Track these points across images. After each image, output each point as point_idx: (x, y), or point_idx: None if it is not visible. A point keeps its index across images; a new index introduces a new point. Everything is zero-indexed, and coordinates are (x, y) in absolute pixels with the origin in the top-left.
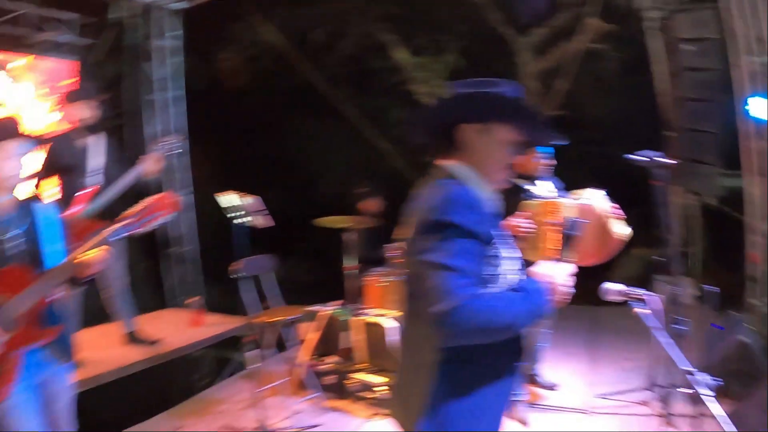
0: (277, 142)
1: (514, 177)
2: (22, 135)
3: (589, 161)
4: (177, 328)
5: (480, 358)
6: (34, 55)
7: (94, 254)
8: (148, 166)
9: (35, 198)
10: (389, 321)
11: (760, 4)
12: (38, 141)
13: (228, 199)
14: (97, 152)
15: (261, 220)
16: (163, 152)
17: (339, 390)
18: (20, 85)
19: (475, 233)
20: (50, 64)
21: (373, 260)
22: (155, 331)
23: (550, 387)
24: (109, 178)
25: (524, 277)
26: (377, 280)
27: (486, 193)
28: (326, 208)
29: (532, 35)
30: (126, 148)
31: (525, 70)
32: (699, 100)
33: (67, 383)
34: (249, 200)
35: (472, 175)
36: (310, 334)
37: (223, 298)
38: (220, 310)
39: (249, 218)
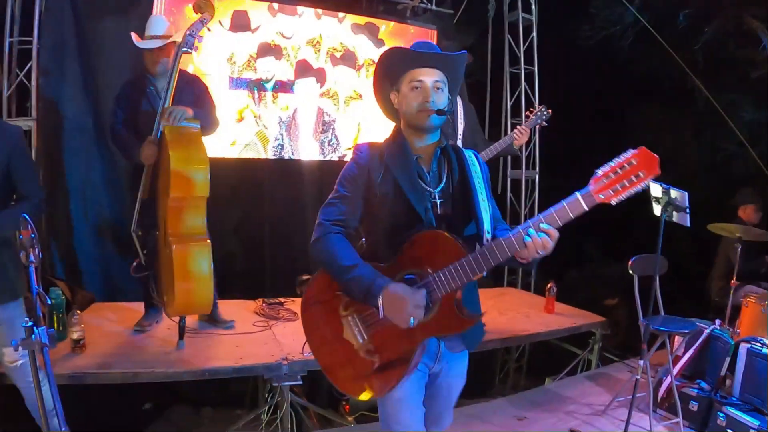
0: (621, 128)
1: None
2: None
3: None
4: (526, 312)
5: None
6: (394, 21)
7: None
8: (519, 135)
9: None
10: None
11: None
12: None
13: (655, 188)
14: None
15: (678, 217)
16: (533, 124)
17: (701, 421)
18: (381, 49)
19: None
20: (411, 30)
21: (751, 276)
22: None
23: None
24: (465, 143)
25: None
26: (758, 301)
27: None
28: None
29: None
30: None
31: None
32: None
33: (461, 375)
34: (677, 194)
35: None
36: (683, 350)
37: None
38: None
39: (672, 213)
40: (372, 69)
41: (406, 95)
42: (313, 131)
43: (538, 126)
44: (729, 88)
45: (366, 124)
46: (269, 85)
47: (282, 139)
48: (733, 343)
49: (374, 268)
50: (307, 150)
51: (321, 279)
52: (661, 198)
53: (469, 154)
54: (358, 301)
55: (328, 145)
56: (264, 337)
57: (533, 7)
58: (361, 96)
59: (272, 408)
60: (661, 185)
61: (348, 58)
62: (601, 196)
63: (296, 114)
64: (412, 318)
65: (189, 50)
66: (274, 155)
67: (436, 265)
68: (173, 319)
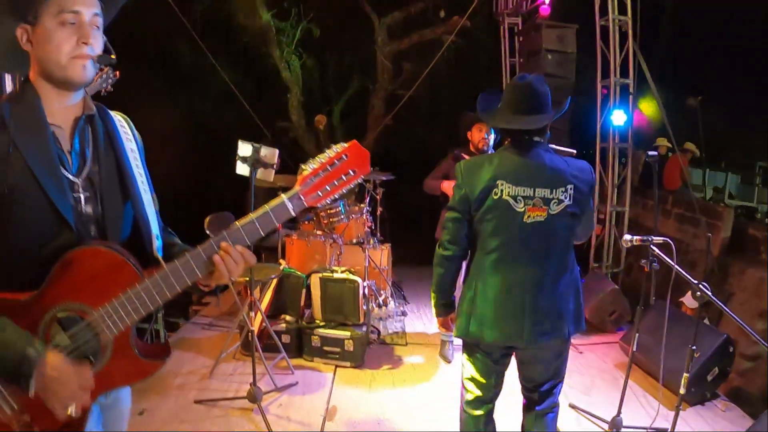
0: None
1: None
2: None
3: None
4: None
5: None
6: None
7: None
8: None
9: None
10: (357, 277)
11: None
12: None
13: (244, 147)
14: None
15: (264, 173)
16: (98, 88)
17: (297, 348)
18: None
19: None
20: None
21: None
22: None
23: None
24: None
25: None
26: (300, 237)
27: None
28: None
29: (389, 17)
30: None
31: (381, 49)
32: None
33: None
34: (266, 151)
35: None
36: (261, 293)
37: None
38: None
39: (259, 169)
40: None
41: (51, 34)
42: None
43: (103, 90)
44: (216, 54)
45: None
46: None
47: None
48: (305, 276)
49: (10, 301)
50: None
51: None
52: (250, 157)
53: (119, 120)
54: None
55: None
56: None
57: None
58: None
59: None
60: (252, 144)
61: None
62: (311, 198)
63: None
64: (72, 405)
65: None
66: None
67: (101, 294)
68: None
